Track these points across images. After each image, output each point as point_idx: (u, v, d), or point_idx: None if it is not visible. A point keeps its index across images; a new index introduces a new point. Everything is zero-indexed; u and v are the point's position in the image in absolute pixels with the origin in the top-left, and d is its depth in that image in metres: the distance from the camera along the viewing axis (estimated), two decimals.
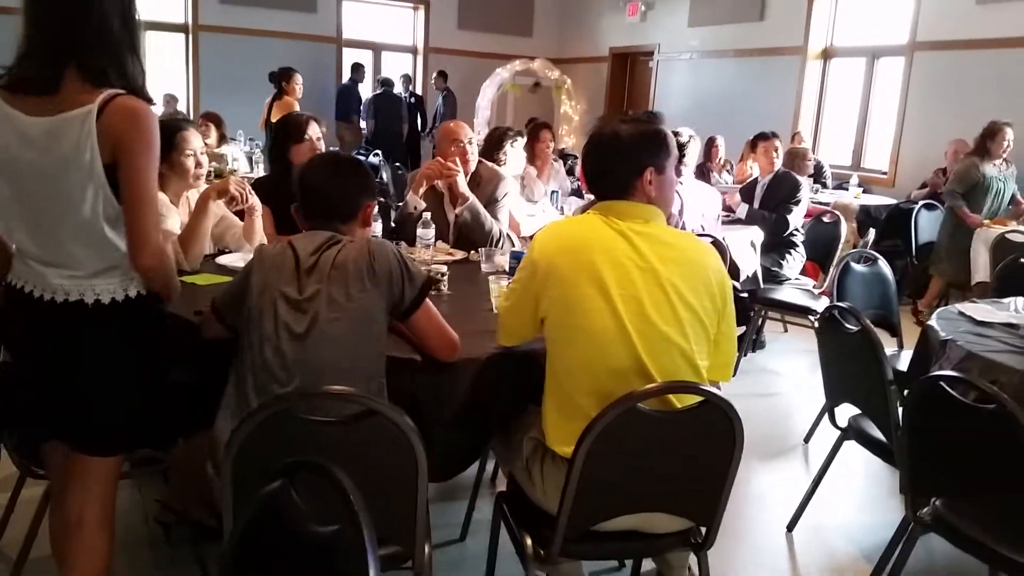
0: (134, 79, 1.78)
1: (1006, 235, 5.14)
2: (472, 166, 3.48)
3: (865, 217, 6.54)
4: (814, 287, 4.95)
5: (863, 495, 3.35)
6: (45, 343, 1.82)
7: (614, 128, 1.97)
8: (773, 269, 4.84)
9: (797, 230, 4.97)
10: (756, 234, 4.72)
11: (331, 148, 5.65)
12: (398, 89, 10.64)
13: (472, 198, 3.34)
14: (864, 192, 7.14)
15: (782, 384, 4.64)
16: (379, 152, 8.34)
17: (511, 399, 2.17)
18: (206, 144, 4.57)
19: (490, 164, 3.69)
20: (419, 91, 11.41)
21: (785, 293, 4.78)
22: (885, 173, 7.84)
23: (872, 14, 8.26)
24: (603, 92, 11.53)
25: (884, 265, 3.59)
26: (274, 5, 10.22)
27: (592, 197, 2.05)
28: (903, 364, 3.01)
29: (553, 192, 5.02)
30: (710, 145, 7.50)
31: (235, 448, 1.59)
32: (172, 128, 2.82)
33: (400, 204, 3.61)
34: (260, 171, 6.44)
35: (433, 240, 3.12)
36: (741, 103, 9.12)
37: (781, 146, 5.31)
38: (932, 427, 2.14)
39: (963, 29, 6.98)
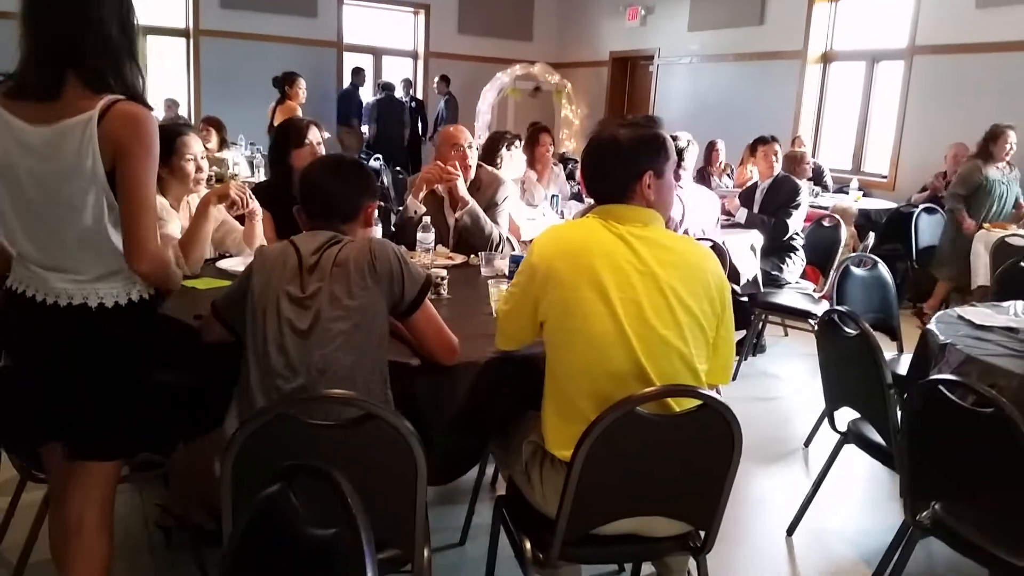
0: (133, 84, 1.79)
1: (1006, 239, 5.15)
2: (472, 170, 3.49)
3: (865, 221, 6.55)
4: (814, 291, 4.95)
5: (863, 499, 3.35)
6: (47, 346, 1.82)
7: (613, 132, 1.98)
8: (773, 273, 4.84)
9: (797, 234, 4.98)
10: (756, 238, 4.72)
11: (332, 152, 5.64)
12: (399, 93, 10.66)
13: (472, 202, 3.35)
14: (864, 196, 7.15)
15: (782, 388, 4.64)
16: (380, 156, 8.35)
17: (510, 403, 2.17)
18: (207, 148, 4.57)
19: (490, 168, 3.70)
20: (420, 95, 11.43)
21: (785, 297, 4.78)
22: (885, 177, 7.85)
23: (872, 18, 8.27)
24: (603, 96, 11.54)
25: (884, 269, 3.59)
26: (275, 9, 10.24)
27: (592, 201, 2.06)
28: (903, 368, 3.02)
29: (553, 196, 5.03)
30: (710, 149, 7.51)
31: (235, 451, 1.60)
32: (172, 132, 2.82)
33: (400, 208, 3.62)
34: (261, 175, 6.45)
35: (433, 244, 3.13)
36: (741, 107, 9.13)
37: (781, 150, 5.31)
38: (931, 431, 2.14)
39: (963, 33, 6.98)
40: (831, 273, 4.95)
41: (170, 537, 2.59)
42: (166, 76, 10.19)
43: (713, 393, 1.82)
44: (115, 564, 2.02)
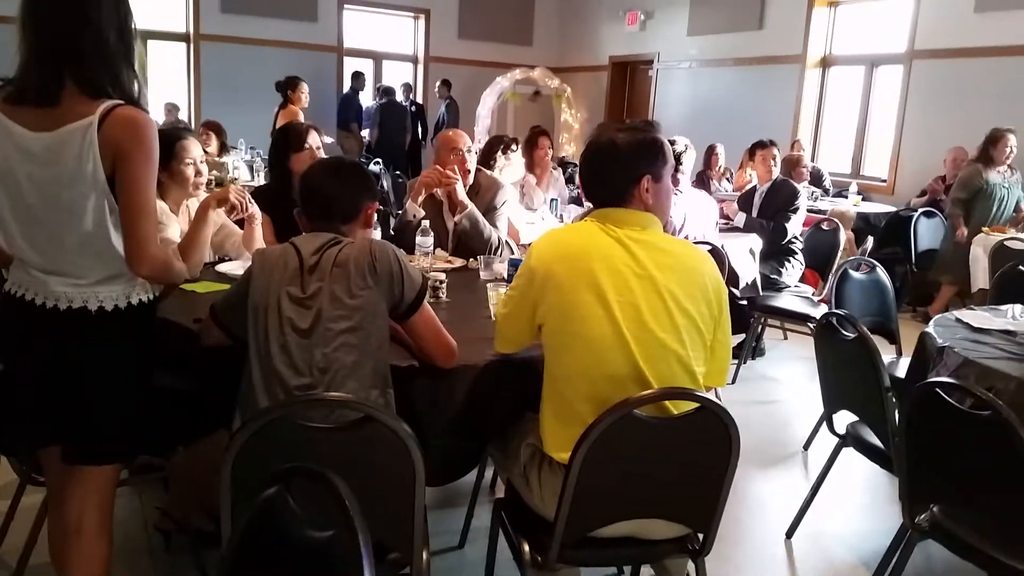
0: (130, 90, 1.79)
1: (1005, 243, 5.15)
2: (471, 174, 3.49)
3: (864, 225, 6.56)
4: (813, 294, 4.96)
5: (861, 502, 3.35)
6: (46, 350, 1.83)
7: (611, 136, 1.99)
8: (772, 277, 4.85)
9: (796, 238, 4.98)
10: (755, 242, 4.73)
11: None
12: (399, 97, 10.68)
13: (471, 206, 3.35)
14: (863, 200, 7.15)
15: (782, 391, 4.64)
16: (379, 160, 8.37)
17: (509, 406, 2.17)
18: (207, 153, 4.59)
19: (489, 172, 3.71)
20: (419, 100, 11.45)
21: (784, 300, 4.78)
22: (884, 181, 7.86)
23: (870, 22, 8.30)
24: (603, 101, 11.56)
25: (882, 272, 3.60)
26: (275, 14, 10.26)
27: (591, 205, 2.07)
28: (902, 371, 3.02)
29: (552, 200, 5.03)
30: (710, 153, 7.52)
31: (233, 453, 1.60)
32: (172, 137, 2.83)
33: (399, 212, 3.62)
34: (261, 179, 6.46)
35: (432, 248, 3.13)
36: (741, 111, 9.15)
37: (779, 154, 5.32)
38: (929, 434, 2.14)
39: (961, 37, 7.00)
40: (830, 277, 4.95)
41: (170, 540, 2.58)
42: (166, 80, 10.21)
43: (711, 396, 1.83)
44: (114, 567, 2.02)
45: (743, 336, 4.71)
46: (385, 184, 7.22)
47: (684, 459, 1.85)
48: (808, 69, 8.62)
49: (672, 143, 2.76)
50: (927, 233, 6.25)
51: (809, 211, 5.65)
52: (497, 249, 3.35)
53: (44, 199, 1.76)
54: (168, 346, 2.05)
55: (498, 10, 11.74)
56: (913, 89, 7.51)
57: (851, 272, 3.58)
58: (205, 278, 2.74)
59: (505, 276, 2.94)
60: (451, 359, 2.04)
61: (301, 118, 7.04)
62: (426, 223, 3.14)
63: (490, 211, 3.46)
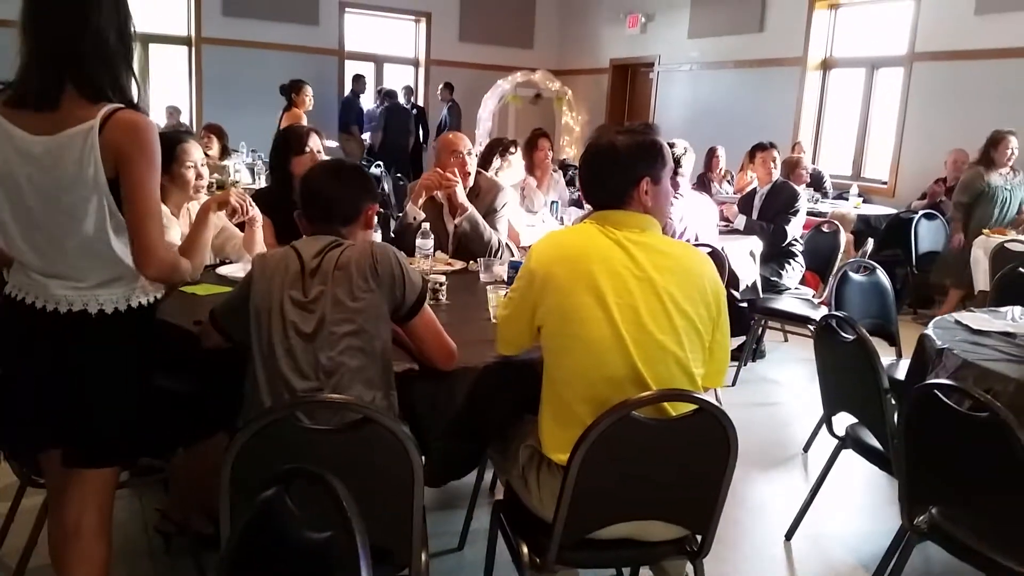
0: (129, 92, 1.80)
1: (1005, 244, 5.16)
2: (471, 177, 3.50)
3: (864, 227, 6.56)
4: (814, 297, 4.96)
5: (861, 503, 3.35)
6: (46, 352, 1.83)
7: (610, 139, 1.99)
8: (772, 279, 4.85)
9: (796, 240, 4.98)
10: (755, 244, 4.73)
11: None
12: (400, 100, 10.69)
13: (471, 209, 3.36)
14: (864, 202, 7.16)
15: (782, 393, 4.64)
16: (381, 163, 8.38)
17: (508, 407, 2.18)
18: (208, 156, 4.60)
19: (489, 175, 3.72)
20: (420, 103, 11.46)
21: (785, 303, 4.79)
22: (885, 183, 7.86)
23: (871, 25, 8.30)
24: (604, 103, 11.57)
25: (882, 274, 3.60)
26: (277, 17, 10.27)
27: (590, 207, 2.08)
28: (902, 373, 3.02)
29: (553, 202, 5.03)
30: (711, 155, 7.53)
31: (233, 455, 1.61)
32: (173, 140, 2.84)
33: (400, 214, 3.63)
34: (262, 182, 6.47)
35: (432, 250, 3.14)
36: (741, 114, 9.15)
37: (779, 156, 5.32)
38: (928, 435, 2.14)
39: (962, 39, 7.01)
40: (830, 279, 4.95)
41: (169, 542, 2.59)
42: (168, 83, 10.22)
43: (709, 397, 1.83)
44: (114, 569, 2.03)
45: (743, 338, 4.71)
46: (386, 187, 7.23)
47: (682, 461, 1.86)
48: (809, 71, 8.62)
49: (671, 146, 2.77)
50: (927, 235, 6.25)
51: (809, 214, 5.65)
52: (497, 251, 3.36)
53: (44, 202, 1.77)
54: (168, 348, 2.06)
55: (499, 13, 11.74)
56: (914, 91, 7.51)
57: (851, 274, 3.58)
58: (205, 280, 2.74)
59: (505, 278, 2.94)
60: (451, 361, 2.04)
61: (305, 121, 7.07)
62: (426, 225, 3.15)
63: (490, 213, 3.46)
